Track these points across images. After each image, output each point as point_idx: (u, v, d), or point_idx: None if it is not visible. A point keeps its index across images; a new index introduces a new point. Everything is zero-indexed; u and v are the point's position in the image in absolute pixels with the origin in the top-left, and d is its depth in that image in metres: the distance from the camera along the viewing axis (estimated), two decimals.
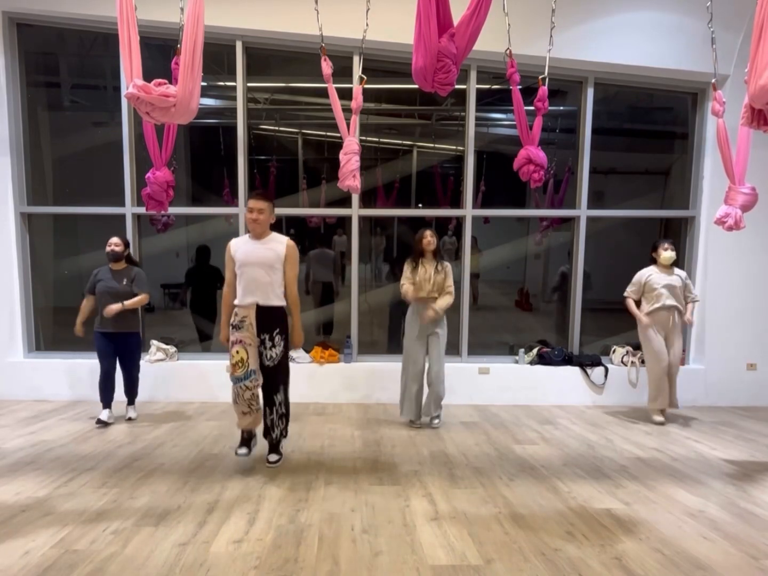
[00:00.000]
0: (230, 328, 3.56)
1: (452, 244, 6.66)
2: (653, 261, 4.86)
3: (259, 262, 3.48)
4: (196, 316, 6.21)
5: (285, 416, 3.69)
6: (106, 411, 4.58)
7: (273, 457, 3.66)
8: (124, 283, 4.49)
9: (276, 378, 3.60)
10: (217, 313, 5.86)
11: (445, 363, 4.56)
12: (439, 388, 4.53)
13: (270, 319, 3.53)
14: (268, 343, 3.52)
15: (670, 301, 4.71)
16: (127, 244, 4.61)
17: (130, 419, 4.66)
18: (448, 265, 4.52)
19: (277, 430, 3.65)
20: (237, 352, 3.49)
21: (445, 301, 4.41)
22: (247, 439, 3.70)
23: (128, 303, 4.43)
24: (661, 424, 4.77)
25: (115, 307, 4.35)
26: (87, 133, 6.29)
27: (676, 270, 4.84)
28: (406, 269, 4.51)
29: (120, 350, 4.56)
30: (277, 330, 3.54)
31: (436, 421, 4.61)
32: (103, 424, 4.50)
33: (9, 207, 5.35)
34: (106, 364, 4.52)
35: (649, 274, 4.81)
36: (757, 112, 2.72)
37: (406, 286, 4.44)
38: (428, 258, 4.48)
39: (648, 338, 4.80)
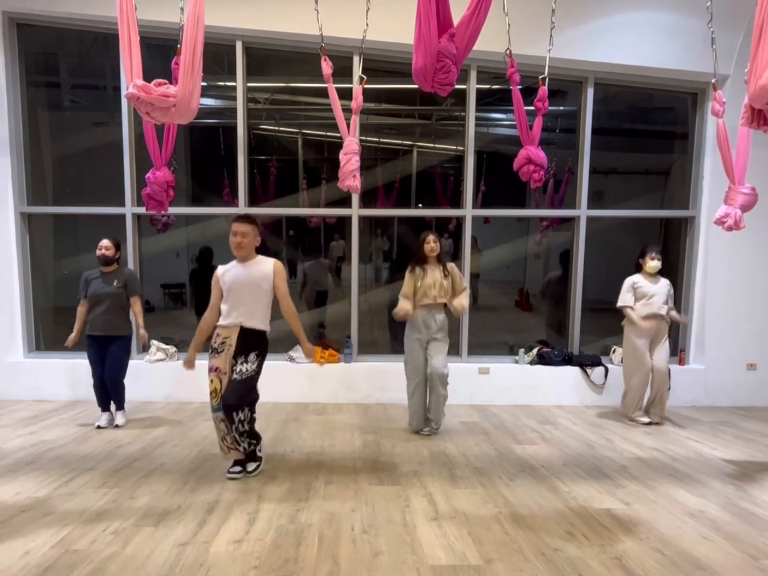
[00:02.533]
0: (210, 351, 3.45)
1: (449, 246, 6.67)
2: (638, 267, 4.85)
3: (246, 282, 3.39)
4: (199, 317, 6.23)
5: (247, 433, 3.43)
6: (105, 415, 4.53)
7: (251, 466, 3.50)
8: (115, 284, 4.40)
9: (238, 391, 3.33)
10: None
11: (447, 366, 4.35)
12: (440, 389, 4.30)
13: (250, 342, 3.40)
14: (241, 359, 3.38)
15: (659, 310, 4.72)
16: (118, 246, 4.50)
17: (117, 426, 4.51)
18: (454, 267, 4.38)
19: (244, 443, 3.43)
20: (211, 381, 3.42)
21: (465, 299, 4.35)
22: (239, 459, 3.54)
23: (141, 322, 4.49)
24: (649, 424, 4.76)
25: (143, 333, 4.48)
26: (87, 133, 6.29)
27: (662, 279, 4.83)
28: (408, 280, 4.31)
29: (107, 353, 4.43)
30: (256, 352, 3.41)
31: (426, 430, 4.46)
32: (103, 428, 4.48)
33: (9, 207, 5.35)
34: (98, 369, 4.44)
35: (636, 281, 4.80)
36: (757, 112, 2.72)
37: (402, 305, 4.27)
38: (431, 263, 4.32)
39: (633, 345, 4.79)
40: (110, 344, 4.43)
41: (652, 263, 4.74)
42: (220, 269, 3.53)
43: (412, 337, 4.36)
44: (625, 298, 4.82)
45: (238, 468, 3.50)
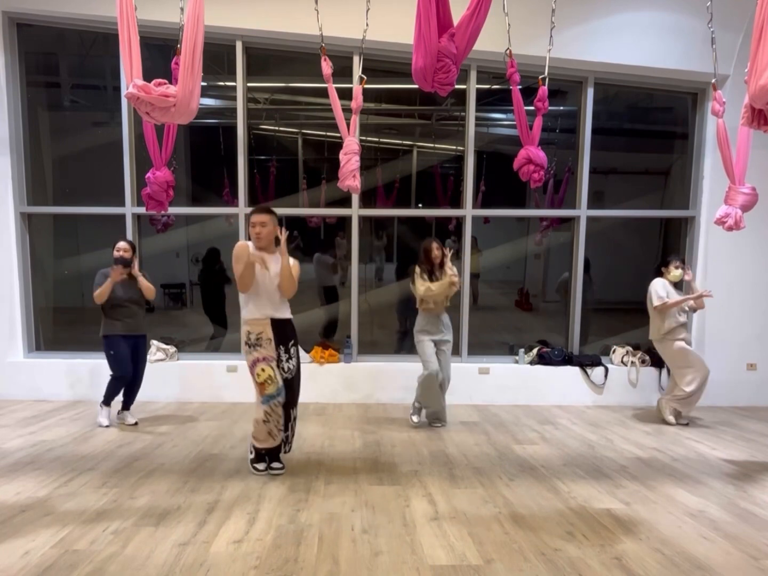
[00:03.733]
0: (246, 347, 3.43)
1: (454, 242, 6.67)
2: (659, 274, 4.85)
3: (275, 278, 3.43)
4: (207, 317, 6.25)
5: (294, 429, 3.67)
6: (127, 414, 4.62)
7: (277, 465, 3.57)
8: (138, 288, 4.47)
9: (295, 390, 3.57)
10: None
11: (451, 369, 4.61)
12: (445, 392, 4.59)
13: (285, 331, 3.51)
14: (284, 356, 3.48)
15: (685, 318, 4.78)
16: (134, 249, 4.55)
17: (137, 424, 4.59)
18: (451, 266, 4.48)
19: (291, 444, 3.66)
20: (263, 370, 3.37)
21: (450, 279, 4.37)
22: (276, 451, 3.58)
23: (143, 280, 4.47)
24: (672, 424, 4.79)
25: (136, 273, 4.44)
26: (87, 133, 6.29)
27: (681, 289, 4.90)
28: (419, 275, 4.42)
29: (139, 351, 4.54)
30: (292, 342, 3.55)
31: (438, 424, 4.64)
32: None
33: (9, 207, 5.35)
34: (129, 368, 4.45)
35: (665, 284, 4.77)
36: (757, 112, 2.72)
37: (427, 286, 4.35)
38: (436, 269, 4.47)
39: (686, 349, 4.73)
40: (137, 343, 4.52)
41: (677, 272, 4.76)
42: (250, 245, 3.46)
43: (425, 339, 4.49)
44: (662, 296, 4.71)
45: (279, 464, 3.59)
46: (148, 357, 5.39)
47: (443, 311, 4.54)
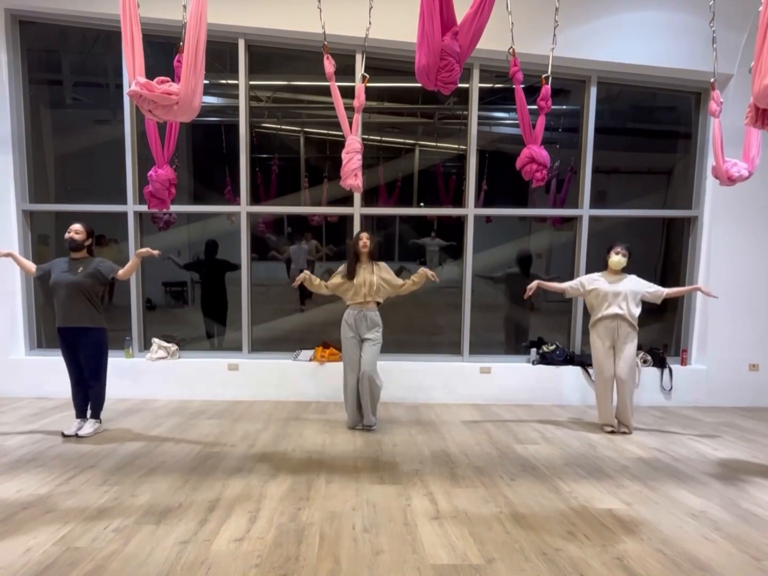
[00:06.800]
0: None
1: (437, 245, 6.70)
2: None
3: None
4: (203, 312, 6.22)
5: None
6: (77, 423, 4.22)
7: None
8: (79, 271, 4.03)
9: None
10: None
11: (376, 366, 4.47)
12: (370, 388, 4.40)
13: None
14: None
15: (615, 310, 4.37)
16: (90, 234, 4.17)
17: (78, 436, 4.10)
18: (383, 264, 4.51)
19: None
20: None
21: (410, 288, 4.44)
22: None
23: (141, 252, 4.01)
24: (612, 432, 4.50)
25: (150, 251, 3.96)
26: (89, 130, 6.29)
27: (627, 276, 4.49)
28: (336, 276, 4.47)
29: (80, 347, 4.08)
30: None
31: (374, 425, 4.52)
32: (69, 437, 4.12)
33: (11, 204, 5.35)
34: (74, 370, 4.16)
35: (594, 279, 4.52)
36: (761, 112, 2.71)
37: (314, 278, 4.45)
38: (364, 261, 4.44)
39: (593, 347, 4.55)
40: (82, 336, 4.07)
41: (615, 258, 4.41)
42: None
43: (347, 336, 4.49)
44: (567, 282, 4.61)
45: None
46: (149, 355, 5.40)
47: (370, 308, 4.42)
